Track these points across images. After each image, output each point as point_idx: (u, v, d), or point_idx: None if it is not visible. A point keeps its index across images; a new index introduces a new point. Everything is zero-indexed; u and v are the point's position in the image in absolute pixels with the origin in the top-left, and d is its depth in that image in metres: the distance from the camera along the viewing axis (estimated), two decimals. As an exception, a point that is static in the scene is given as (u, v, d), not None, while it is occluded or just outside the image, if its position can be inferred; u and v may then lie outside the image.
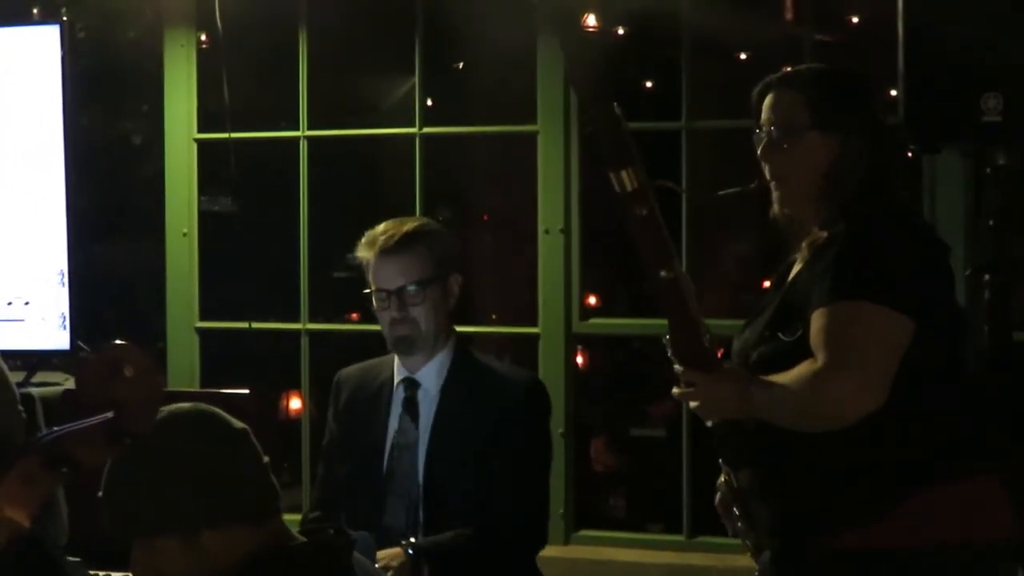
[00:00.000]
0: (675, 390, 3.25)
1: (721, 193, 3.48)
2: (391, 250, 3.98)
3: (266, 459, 2.66)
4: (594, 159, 4.78)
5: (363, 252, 4.04)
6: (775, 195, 3.38)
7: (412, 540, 3.84)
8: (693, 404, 3.25)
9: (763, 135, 3.36)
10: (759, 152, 3.37)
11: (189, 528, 2.57)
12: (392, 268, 3.99)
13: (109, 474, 2.59)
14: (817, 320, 3.14)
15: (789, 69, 3.43)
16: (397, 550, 3.80)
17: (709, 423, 3.33)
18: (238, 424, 2.66)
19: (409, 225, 4.03)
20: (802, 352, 3.15)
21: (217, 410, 2.65)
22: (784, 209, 3.37)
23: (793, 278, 3.33)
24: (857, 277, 3.14)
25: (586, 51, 3.08)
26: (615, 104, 3.09)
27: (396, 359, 4.08)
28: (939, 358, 3.22)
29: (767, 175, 3.37)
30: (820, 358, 3.10)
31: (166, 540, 2.58)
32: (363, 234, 4.06)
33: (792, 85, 3.37)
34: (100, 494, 2.59)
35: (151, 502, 2.57)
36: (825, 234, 3.27)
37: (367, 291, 4.04)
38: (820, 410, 3.12)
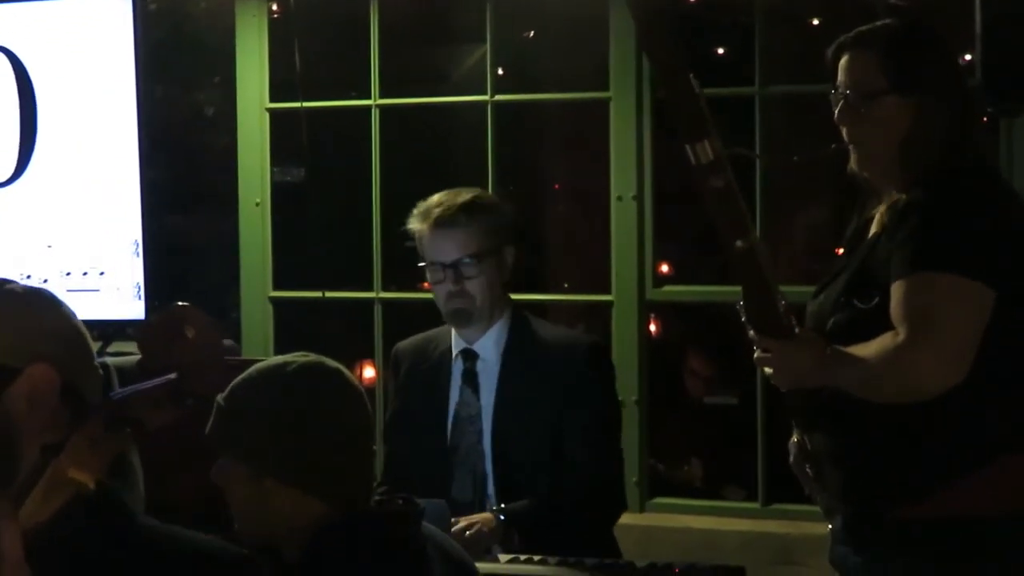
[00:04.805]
0: (756, 355, 3.21)
1: (796, 158, 3.42)
2: (446, 223, 3.94)
3: (374, 448, 2.68)
4: (669, 128, 4.76)
5: (417, 224, 4.00)
6: (853, 157, 3.31)
7: (503, 506, 3.84)
8: (768, 371, 3.21)
9: (840, 97, 3.28)
10: (836, 115, 3.29)
11: (261, 468, 2.60)
12: (448, 241, 3.95)
13: (243, 379, 2.68)
14: (897, 291, 3.09)
15: (864, 28, 3.32)
16: (488, 515, 3.80)
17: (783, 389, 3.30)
18: (367, 411, 2.69)
19: (464, 197, 3.98)
20: (879, 320, 3.10)
21: (362, 392, 2.69)
22: (863, 172, 3.32)
23: (871, 242, 3.28)
24: (937, 247, 3.09)
25: (659, 21, 3.01)
26: (691, 75, 3.02)
27: (453, 330, 4.07)
28: (1022, 325, 3.16)
29: (844, 138, 3.31)
30: (901, 331, 3.05)
31: (238, 465, 2.63)
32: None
33: (868, 45, 3.27)
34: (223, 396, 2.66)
35: (247, 424, 2.64)
36: (904, 197, 3.20)
37: (422, 264, 4.02)
38: (901, 384, 3.08)
